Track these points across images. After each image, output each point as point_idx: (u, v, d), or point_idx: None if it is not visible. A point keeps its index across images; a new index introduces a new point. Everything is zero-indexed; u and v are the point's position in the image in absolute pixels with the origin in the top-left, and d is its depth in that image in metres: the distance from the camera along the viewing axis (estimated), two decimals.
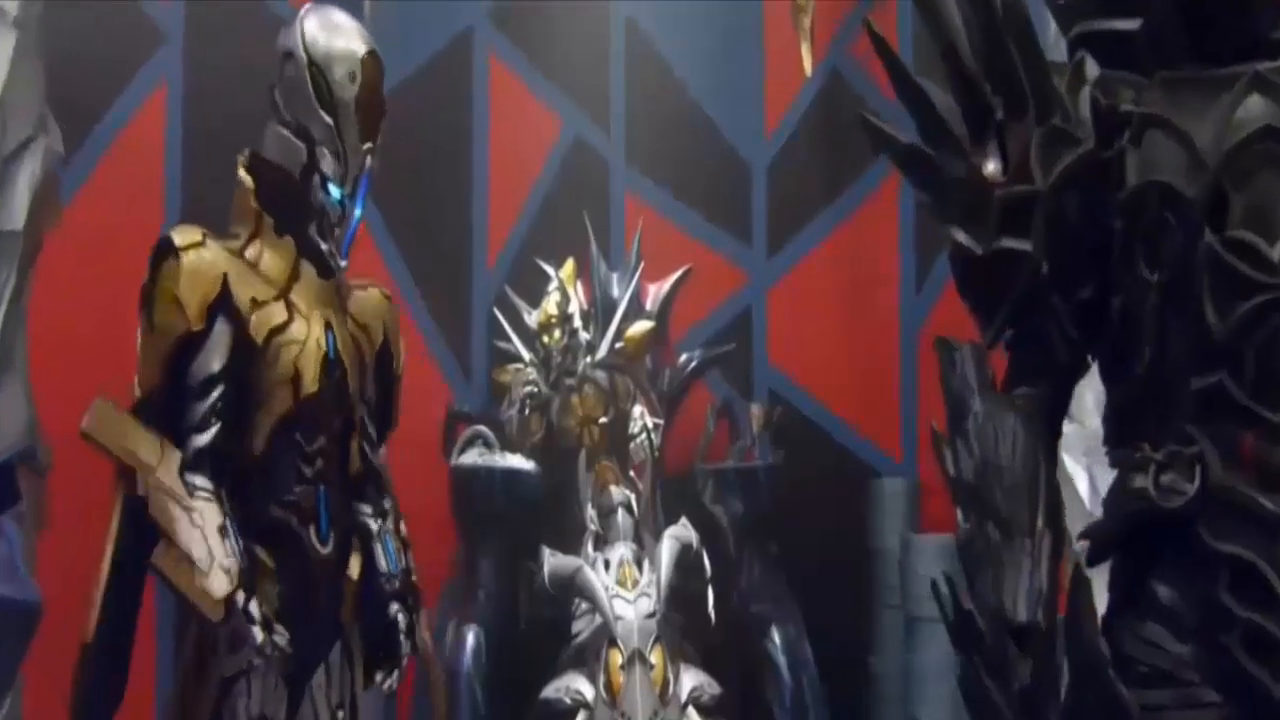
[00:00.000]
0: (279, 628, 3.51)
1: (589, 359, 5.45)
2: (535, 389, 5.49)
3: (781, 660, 5.49)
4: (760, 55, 6.30)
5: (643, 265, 5.79)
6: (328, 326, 3.66)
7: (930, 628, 5.28)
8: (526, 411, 5.49)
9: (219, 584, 3.41)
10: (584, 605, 5.09)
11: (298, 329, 3.61)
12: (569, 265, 5.62)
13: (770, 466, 5.78)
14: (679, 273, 5.91)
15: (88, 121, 5.56)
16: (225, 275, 3.55)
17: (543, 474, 5.45)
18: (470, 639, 5.29)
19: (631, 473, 5.38)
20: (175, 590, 3.44)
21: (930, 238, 6.10)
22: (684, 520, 5.12)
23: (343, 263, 3.73)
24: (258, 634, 3.46)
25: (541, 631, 5.29)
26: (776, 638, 5.50)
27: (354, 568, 3.78)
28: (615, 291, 5.79)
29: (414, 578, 3.91)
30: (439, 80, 6.03)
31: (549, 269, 5.65)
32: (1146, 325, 2.62)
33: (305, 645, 3.58)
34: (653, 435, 5.44)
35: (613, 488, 5.16)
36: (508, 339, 5.76)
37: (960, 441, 2.74)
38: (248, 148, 3.70)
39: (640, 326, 5.58)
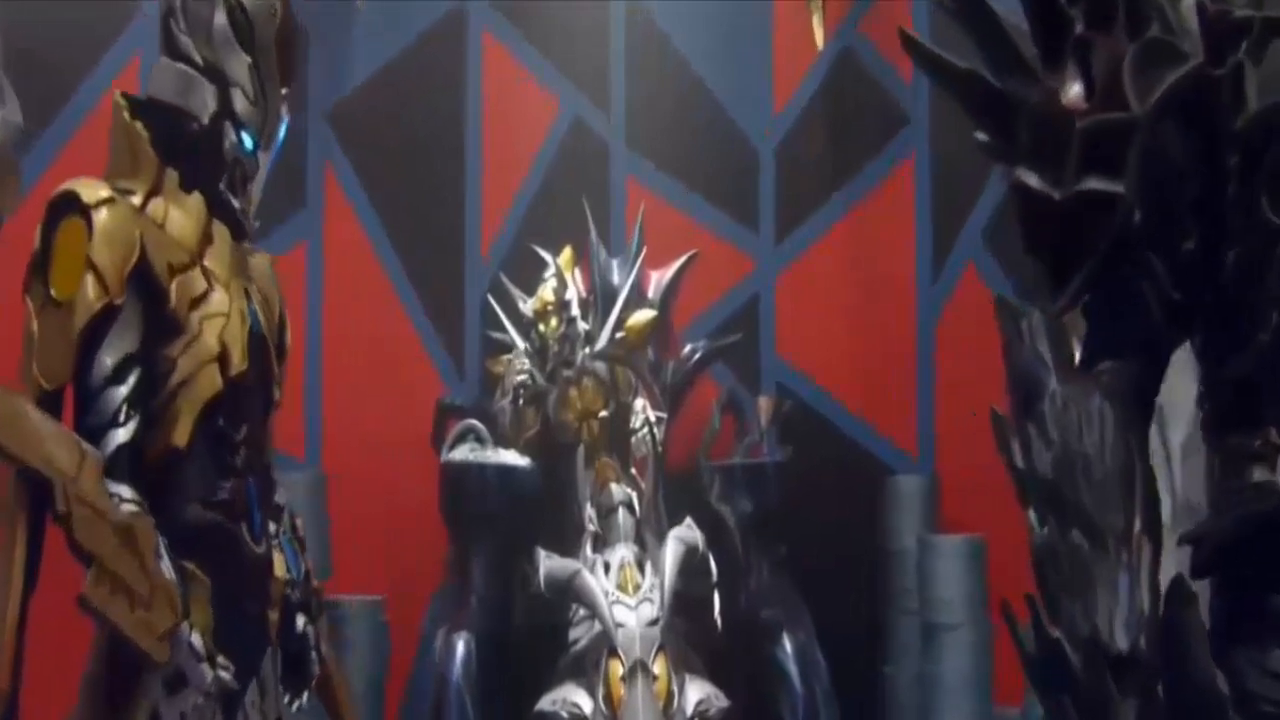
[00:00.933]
0: (222, 660, 2.97)
1: (587, 349, 5.06)
2: (530, 380, 5.12)
3: (793, 669, 5.11)
4: (768, 31, 5.96)
5: (644, 252, 5.44)
6: (247, 296, 3.13)
7: (949, 635, 5.22)
8: (521, 404, 5.13)
9: (163, 618, 2.81)
10: (582, 611, 4.72)
11: (218, 300, 3.05)
12: (567, 252, 5.26)
13: (779, 463, 5.38)
14: (683, 259, 5.54)
15: (58, 97, 5.16)
16: (141, 237, 2.93)
17: (538, 471, 5.06)
18: (460, 647, 4.91)
19: (633, 470, 4.99)
20: (110, 628, 2.80)
21: (949, 221, 5.93)
22: (689, 520, 4.74)
23: (255, 223, 3.21)
24: (206, 673, 2.91)
25: (537, 639, 4.92)
26: (787, 645, 5.13)
27: (279, 565, 3.25)
28: (615, 279, 5.43)
29: (315, 583, 3.41)
30: (430, 59, 5.73)
31: (546, 255, 5.29)
32: (1270, 284, 1.95)
33: (240, 661, 3.05)
34: (655, 430, 5.05)
35: (613, 486, 4.76)
36: (502, 329, 5.37)
37: (1034, 428, 2.13)
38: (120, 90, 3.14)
39: (642, 315, 5.20)
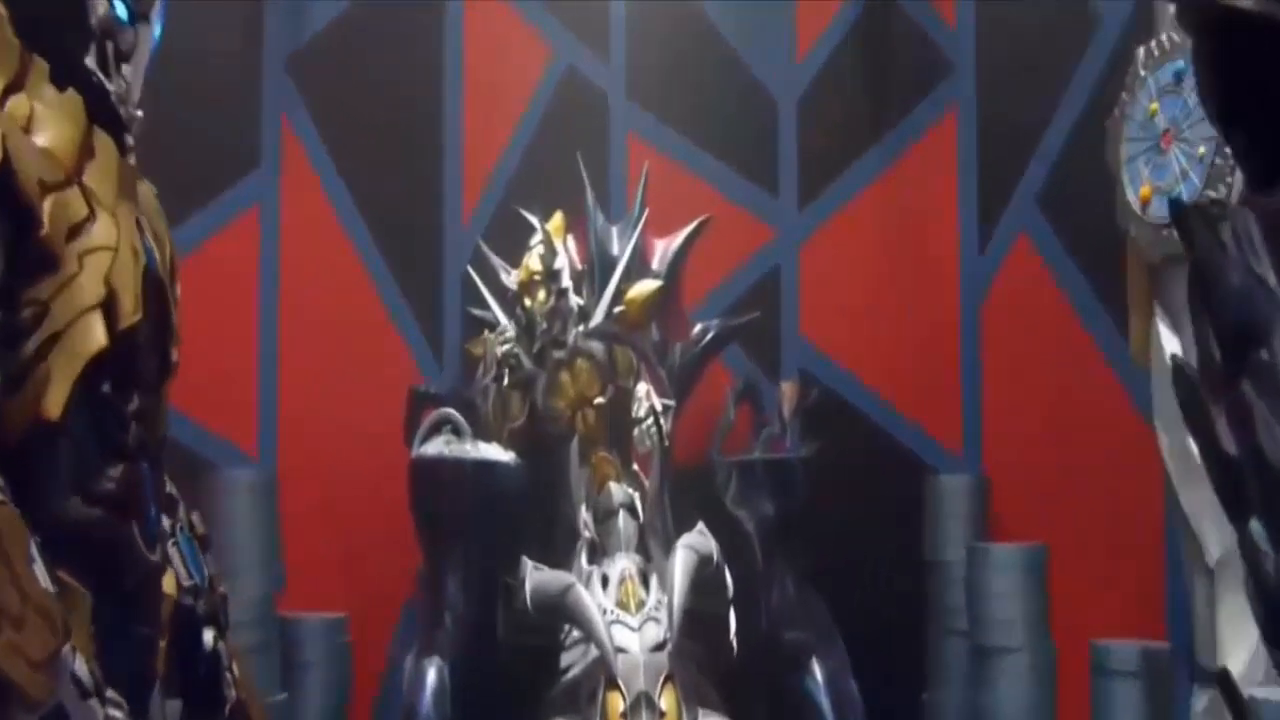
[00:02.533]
0: (113, 695, 2.37)
1: (581, 327, 4.72)
2: (516, 362, 4.77)
3: (823, 700, 4.77)
4: None
5: (647, 217, 5.09)
6: (139, 228, 2.50)
7: (1004, 660, 4.92)
8: (505, 390, 4.79)
9: (39, 641, 2.19)
10: (575, 633, 4.47)
11: (103, 230, 2.39)
12: (557, 217, 4.94)
13: (804, 459, 5.00)
14: (692, 225, 5.16)
15: None
16: (3, 140, 2.27)
17: (524, 467, 4.73)
18: (432, 675, 4.58)
19: (635, 466, 4.68)
20: None
21: (998, 185, 5.56)
22: (701, 526, 4.45)
23: (137, 112, 2.59)
24: (95, 712, 2.33)
25: (522, 666, 4.64)
26: (816, 672, 4.79)
27: (168, 580, 2.66)
28: (615, 248, 5.10)
29: (221, 589, 2.87)
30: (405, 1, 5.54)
31: (535, 221, 4.95)
32: None
33: (132, 696, 2.48)
34: (661, 420, 4.71)
35: (612, 485, 4.48)
36: (484, 305, 5.10)
37: (1255, 389, 1.36)
38: None
39: (645, 286, 4.85)
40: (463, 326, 5.36)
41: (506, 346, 4.75)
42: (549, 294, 4.73)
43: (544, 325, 4.72)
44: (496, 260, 5.09)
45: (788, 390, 5.21)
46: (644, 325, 4.92)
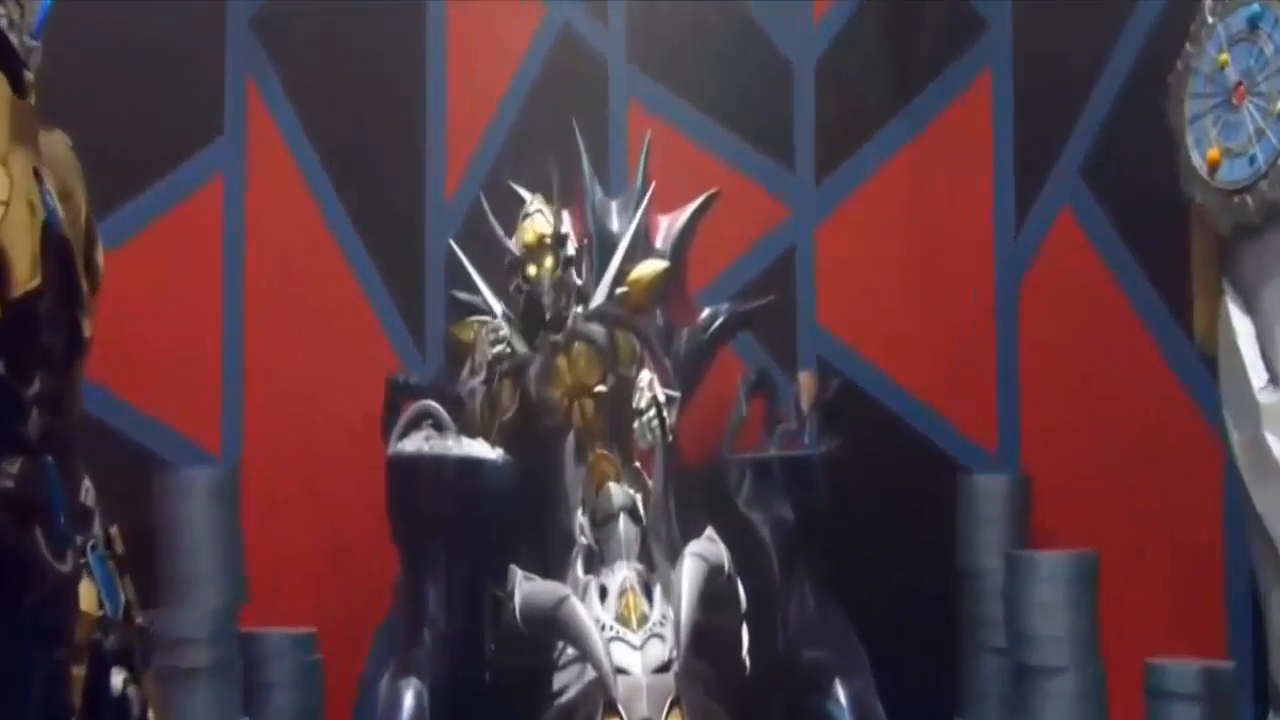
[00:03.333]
0: None
1: (580, 309, 4.55)
2: (508, 347, 4.59)
3: None
4: None
5: (651, 191, 4.94)
6: (38, 178, 2.37)
7: (1048, 681, 4.74)
8: (497, 379, 4.60)
9: None
10: (570, 651, 4.26)
11: None
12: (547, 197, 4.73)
13: (825, 456, 4.80)
14: (699, 200, 5.03)
15: None
16: None
17: (514, 466, 4.55)
18: (409, 699, 4.41)
19: (637, 464, 4.52)
20: None
21: (1037, 155, 5.43)
22: (710, 532, 4.28)
23: (33, 42, 2.41)
24: None
25: (509, 687, 4.44)
26: (839, 693, 4.61)
27: (87, 596, 2.54)
28: (615, 225, 4.99)
29: (139, 620, 2.78)
30: None
31: (527, 195, 4.76)
32: None
33: None
34: (666, 412, 4.56)
35: (612, 486, 4.30)
36: (472, 289, 4.92)
37: None
38: None
39: (649, 266, 4.74)
40: (446, 311, 5.23)
41: (500, 347, 4.58)
42: (557, 262, 4.54)
43: (550, 297, 4.52)
44: (495, 223, 4.84)
45: (805, 382, 5.03)
46: (648, 309, 4.79)
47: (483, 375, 4.63)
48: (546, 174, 4.83)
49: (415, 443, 4.58)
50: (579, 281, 4.60)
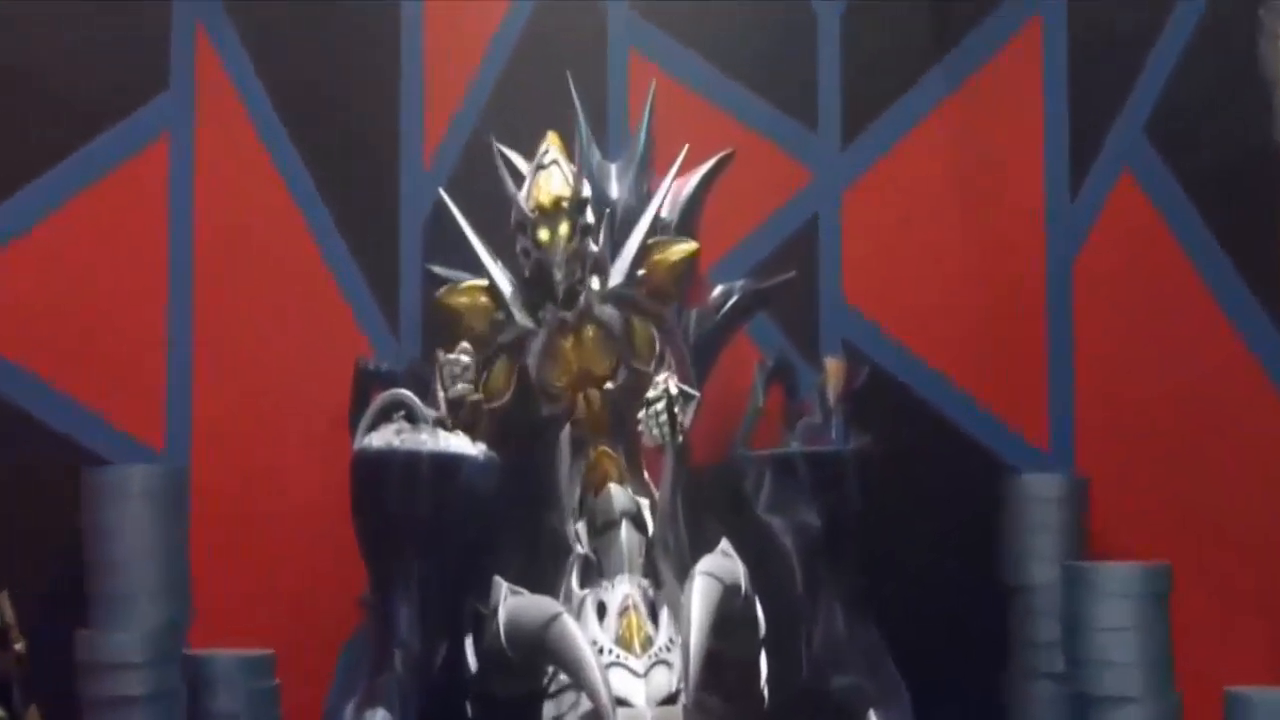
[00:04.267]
0: None
1: (596, 285, 4.42)
2: (509, 318, 4.43)
3: None
4: None
5: (654, 151, 4.76)
6: None
7: (1113, 711, 4.54)
8: (495, 362, 4.45)
9: None
10: (563, 677, 4.10)
11: None
12: (552, 137, 4.53)
13: (857, 454, 4.60)
14: (709, 163, 4.79)
15: None
16: None
17: (499, 463, 4.37)
18: None
19: (646, 474, 4.42)
20: None
21: (1095, 111, 5.23)
22: (725, 546, 4.14)
23: None
24: None
25: (494, 719, 4.30)
26: None
27: None
28: (615, 191, 4.78)
29: (18, 647, 2.85)
30: None
31: (515, 157, 4.62)
32: None
33: None
34: (679, 408, 4.34)
35: (614, 487, 4.22)
36: (453, 263, 4.72)
37: None
38: None
39: (677, 246, 4.53)
40: (423, 287, 5.04)
41: (463, 386, 4.36)
42: (573, 229, 4.35)
43: (564, 271, 4.35)
44: (513, 156, 4.62)
45: (832, 368, 4.78)
46: (673, 297, 4.59)
47: (440, 413, 4.41)
48: (537, 133, 4.58)
49: (385, 437, 4.36)
50: (595, 251, 4.42)
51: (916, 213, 5.35)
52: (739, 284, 4.86)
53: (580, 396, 4.38)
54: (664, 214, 4.71)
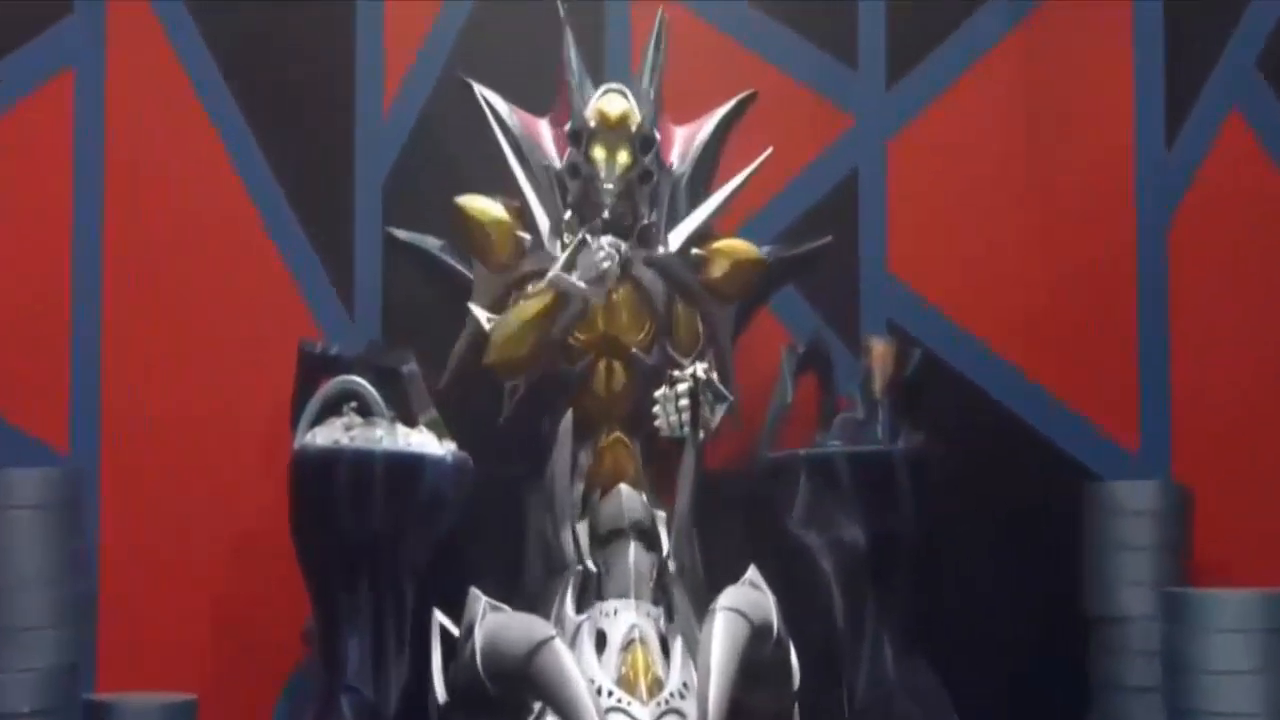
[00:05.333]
0: None
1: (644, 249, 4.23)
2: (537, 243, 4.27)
3: None
4: None
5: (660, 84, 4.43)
6: None
7: None
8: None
9: None
10: (551, 717, 3.77)
11: None
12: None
13: (908, 456, 4.24)
14: (729, 104, 4.49)
15: None
16: None
17: (470, 465, 4.06)
18: None
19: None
20: None
21: (1196, 42, 4.96)
22: (753, 575, 3.85)
23: None
24: None
25: None
26: None
27: None
28: None
29: None
30: None
31: (495, 99, 4.37)
32: None
33: None
34: (707, 400, 4.10)
35: (625, 489, 3.99)
36: (416, 227, 4.55)
37: None
38: None
39: (744, 246, 4.37)
40: (383, 256, 4.77)
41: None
42: (634, 162, 4.17)
43: (614, 196, 4.15)
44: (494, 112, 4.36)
45: (877, 352, 4.47)
46: (730, 297, 4.35)
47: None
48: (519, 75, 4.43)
49: (331, 433, 4.07)
50: (646, 220, 4.21)
51: (975, 166, 5.02)
52: (764, 251, 4.49)
53: (601, 365, 4.14)
54: (674, 165, 4.41)
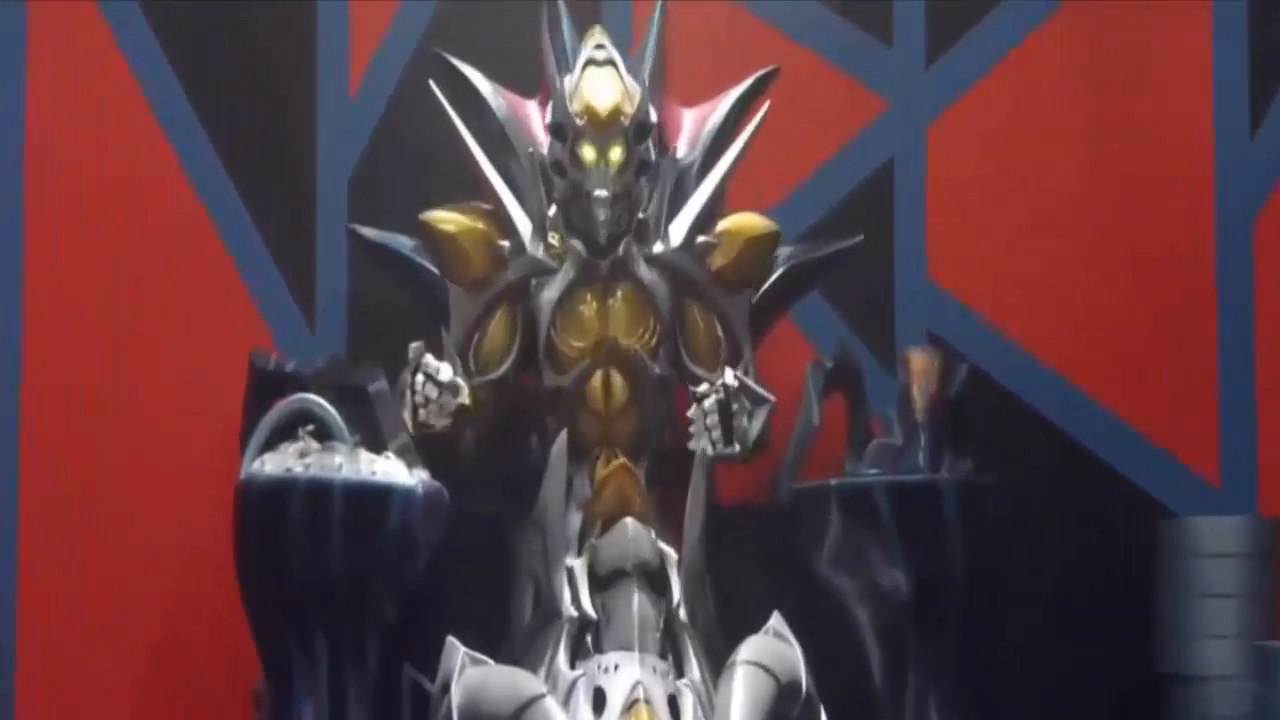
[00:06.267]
0: None
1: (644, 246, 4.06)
2: (517, 249, 4.09)
3: None
4: None
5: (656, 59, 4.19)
6: None
7: None
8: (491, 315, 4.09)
9: None
10: None
11: None
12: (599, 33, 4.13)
13: (956, 488, 3.93)
14: (746, 82, 4.22)
15: None
16: None
17: (444, 497, 3.84)
18: None
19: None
20: None
21: None
22: (777, 623, 3.69)
23: None
24: None
25: None
26: None
27: None
28: None
29: None
30: None
31: (481, 80, 4.12)
32: None
33: None
34: (747, 409, 3.97)
35: (631, 523, 3.69)
36: (382, 224, 4.24)
37: None
38: None
39: (753, 219, 4.17)
40: (348, 258, 4.53)
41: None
42: (629, 159, 3.93)
43: (607, 208, 3.94)
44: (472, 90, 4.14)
45: (917, 367, 4.15)
46: (746, 282, 4.14)
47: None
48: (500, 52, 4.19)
49: (283, 459, 3.79)
50: (646, 212, 3.99)
51: (1026, 155, 4.70)
52: (786, 252, 4.20)
53: (598, 376, 3.92)
54: (682, 151, 4.12)
